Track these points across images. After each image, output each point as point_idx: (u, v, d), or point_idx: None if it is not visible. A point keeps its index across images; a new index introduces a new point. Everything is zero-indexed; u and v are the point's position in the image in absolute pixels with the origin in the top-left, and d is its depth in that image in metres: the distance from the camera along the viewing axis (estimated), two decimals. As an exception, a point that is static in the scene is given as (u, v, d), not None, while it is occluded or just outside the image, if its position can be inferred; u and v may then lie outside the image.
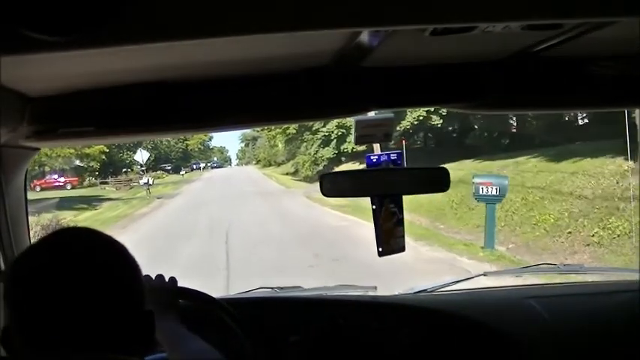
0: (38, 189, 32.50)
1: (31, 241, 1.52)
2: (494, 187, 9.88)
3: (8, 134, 1.38)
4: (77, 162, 40.04)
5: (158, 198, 27.19)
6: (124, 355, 0.91)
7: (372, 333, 1.91)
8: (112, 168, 46.19)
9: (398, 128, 24.04)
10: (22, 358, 0.91)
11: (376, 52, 1.26)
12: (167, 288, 1.39)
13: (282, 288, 2.29)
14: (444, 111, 20.89)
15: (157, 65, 1.23)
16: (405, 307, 2.02)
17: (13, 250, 1.45)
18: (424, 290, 2.19)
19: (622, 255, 8.89)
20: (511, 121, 24.40)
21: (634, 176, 9.24)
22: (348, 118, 1.78)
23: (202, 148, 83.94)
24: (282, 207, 18.88)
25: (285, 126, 26.53)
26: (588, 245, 9.78)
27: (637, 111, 4.42)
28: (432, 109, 22.00)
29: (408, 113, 23.58)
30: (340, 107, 1.50)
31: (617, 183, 10.58)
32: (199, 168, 69.99)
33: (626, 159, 9.64)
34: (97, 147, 34.00)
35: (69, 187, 36.78)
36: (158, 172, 55.23)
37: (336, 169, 20.65)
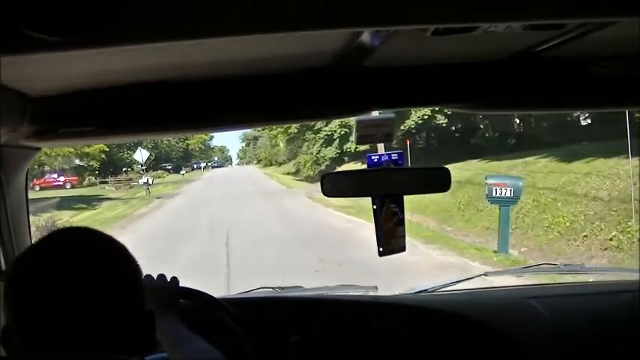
0: (37, 188, 32.49)
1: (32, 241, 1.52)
2: (508, 189, 9.52)
3: (9, 134, 1.38)
4: (77, 161, 40.09)
5: (158, 198, 27.16)
6: (124, 355, 0.91)
7: (373, 333, 1.91)
8: (112, 167, 46.20)
9: (402, 127, 24.01)
10: (22, 358, 0.91)
11: (377, 52, 1.26)
12: (168, 288, 1.38)
13: (282, 288, 2.29)
14: (448, 110, 20.85)
15: (157, 65, 1.23)
16: (406, 307, 2.02)
17: (14, 250, 1.45)
18: (425, 290, 2.19)
19: (643, 260, 8.53)
20: (516, 120, 24.33)
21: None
22: (350, 118, 1.79)
23: (203, 147, 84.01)
24: (283, 207, 18.75)
25: (287, 125, 26.46)
26: (606, 249, 9.40)
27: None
28: (437, 108, 21.96)
29: (413, 112, 23.50)
30: (341, 107, 1.50)
31: (635, 184, 10.07)
32: (200, 167, 70.04)
33: (627, 157, 9.36)
34: (97, 146, 34.04)
35: (68, 186, 36.79)
36: (159, 171, 55.27)
37: (339, 169, 20.62)
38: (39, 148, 1.64)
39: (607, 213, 10.26)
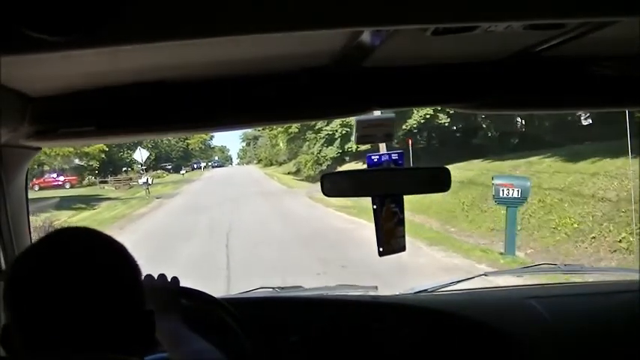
0: (37, 188, 32.46)
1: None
2: (515, 190, 9.31)
3: (9, 134, 1.38)
4: (76, 161, 40.10)
5: (157, 198, 27.13)
6: (124, 354, 0.91)
7: (373, 333, 1.91)
8: (111, 167, 46.19)
9: (404, 127, 23.91)
10: (22, 358, 0.91)
11: (377, 51, 1.26)
12: (169, 288, 1.38)
13: (282, 288, 2.30)
14: (451, 109, 20.70)
15: (157, 65, 1.23)
16: (406, 307, 2.02)
17: (14, 250, 1.45)
18: (424, 290, 2.19)
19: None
20: (519, 120, 24.22)
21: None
22: (351, 118, 1.79)
23: (203, 147, 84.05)
24: (284, 208, 18.65)
25: (287, 125, 26.38)
26: (615, 252, 9.17)
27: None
28: (440, 108, 21.86)
29: (415, 111, 23.33)
30: (341, 107, 1.50)
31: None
32: (200, 167, 70.11)
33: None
34: (97, 146, 34.00)
35: (68, 186, 36.78)
36: (159, 171, 55.27)
37: (340, 169, 20.55)
38: (39, 148, 1.64)
39: (615, 214, 10.04)
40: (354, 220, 13.64)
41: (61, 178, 37.80)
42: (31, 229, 1.67)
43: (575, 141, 17.72)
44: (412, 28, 1.06)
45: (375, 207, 1.64)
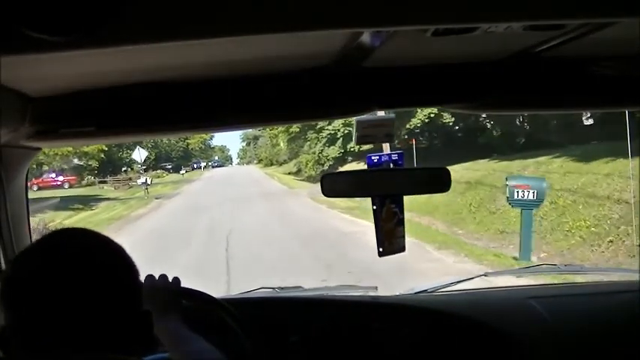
0: (35, 188, 32.33)
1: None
2: (531, 191, 8.82)
3: (9, 134, 1.38)
4: (76, 161, 40.03)
5: (157, 198, 27.01)
6: (123, 355, 0.91)
7: (373, 333, 1.91)
8: (111, 167, 46.12)
9: (407, 127, 23.74)
10: (20, 358, 0.91)
11: (377, 52, 1.26)
12: (170, 288, 1.39)
13: (282, 288, 2.29)
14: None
15: (157, 65, 1.23)
16: (406, 308, 2.01)
17: (14, 250, 1.45)
18: (425, 290, 2.19)
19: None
20: (521, 120, 24.03)
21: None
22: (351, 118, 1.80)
23: (203, 147, 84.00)
24: (286, 209, 18.28)
25: (287, 125, 26.19)
26: (634, 257, 8.50)
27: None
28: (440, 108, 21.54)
29: (419, 111, 23.05)
30: (341, 107, 1.50)
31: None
32: (200, 167, 70.05)
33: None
34: (96, 145, 33.92)
35: (67, 186, 36.65)
36: (158, 171, 55.22)
37: (342, 169, 20.41)
38: (39, 148, 1.64)
39: (634, 217, 9.32)
40: (358, 221, 12.87)
41: (60, 178, 37.68)
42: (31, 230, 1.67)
43: (581, 141, 17.38)
44: (412, 28, 1.06)
45: (374, 207, 1.64)
